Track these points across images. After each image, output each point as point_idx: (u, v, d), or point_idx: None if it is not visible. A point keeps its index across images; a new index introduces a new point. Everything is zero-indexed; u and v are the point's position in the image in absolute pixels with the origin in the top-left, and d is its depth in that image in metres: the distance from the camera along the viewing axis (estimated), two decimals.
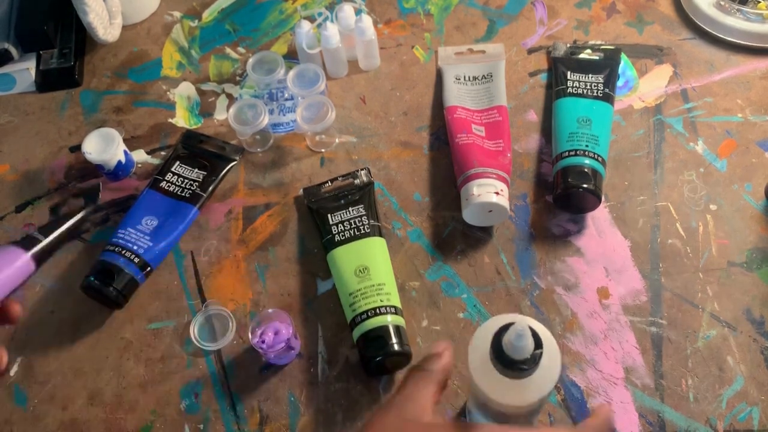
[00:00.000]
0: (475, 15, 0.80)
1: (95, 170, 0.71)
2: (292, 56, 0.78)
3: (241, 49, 0.80)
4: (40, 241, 0.49)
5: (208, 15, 0.84)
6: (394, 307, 0.58)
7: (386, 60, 0.77)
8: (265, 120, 0.69)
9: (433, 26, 0.80)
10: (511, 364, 0.41)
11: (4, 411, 0.59)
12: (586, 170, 0.63)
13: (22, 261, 0.48)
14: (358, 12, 0.73)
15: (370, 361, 0.56)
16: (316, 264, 0.64)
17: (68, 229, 0.52)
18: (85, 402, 0.59)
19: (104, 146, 0.68)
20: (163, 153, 0.73)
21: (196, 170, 0.69)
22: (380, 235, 0.63)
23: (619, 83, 0.73)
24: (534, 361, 0.41)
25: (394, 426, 0.41)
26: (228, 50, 0.80)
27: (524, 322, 0.40)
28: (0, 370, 0.48)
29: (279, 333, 0.57)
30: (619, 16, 0.79)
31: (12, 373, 0.60)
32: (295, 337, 0.58)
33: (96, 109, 0.77)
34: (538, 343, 0.41)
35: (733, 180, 0.66)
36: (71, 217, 0.53)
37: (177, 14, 0.84)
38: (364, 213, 0.64)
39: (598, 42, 0.76)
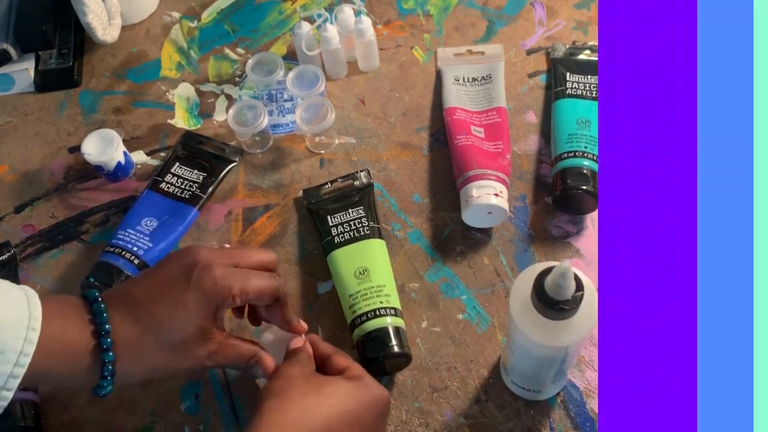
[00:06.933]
0: (475, 16, 0.80)
1: (94, 171, 0.71)
2: (291, 57, 0.78)
3: (240, 50, 0.80)
4: None
5: (207, 16, 0.84)
6: (394, 308, 0.58)
7: (385, 61, 0.77)
8: (264, 121, 0.69)
9: (433, 27, 0.80)
10: (554, 304, 0.42)
11: None
12: (585, 172, 0.63)
13: None
14: (357, 13, 0.73)
15: (369, 362, 0.56)
16: (316, 265, 0.64)
17: None
18: (85, 402, 0.59)
19: (103, 147, 0.68)
20: (162, 154, 0.72)
21: (195, 171, 0.69)
22: (380, 236, 0.63)
23: None
24: (575, 302, 0.42)
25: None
26: (227, 51, 0.80)
27: (566, 264, 0.41)
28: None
29: None
30: None
31: None
32: None
33: (95, 110, 0.77)
34: (579, 286, 0.42)
35: None
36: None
37: (176, 15, 0.84)
38: (363, 215, 0.64)
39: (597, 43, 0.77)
